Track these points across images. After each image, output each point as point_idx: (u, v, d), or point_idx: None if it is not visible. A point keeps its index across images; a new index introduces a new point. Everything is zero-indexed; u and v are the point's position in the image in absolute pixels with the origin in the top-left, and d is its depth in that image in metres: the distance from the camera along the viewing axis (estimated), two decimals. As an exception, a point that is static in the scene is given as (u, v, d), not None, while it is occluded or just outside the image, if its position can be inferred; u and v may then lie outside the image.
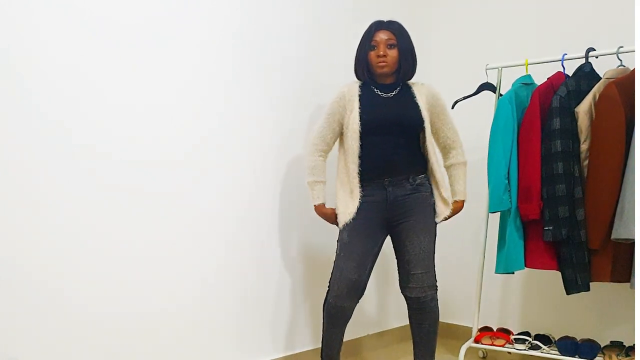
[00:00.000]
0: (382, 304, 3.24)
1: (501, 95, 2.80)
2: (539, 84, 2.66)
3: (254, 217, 2.60)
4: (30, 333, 1.91)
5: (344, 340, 2.99)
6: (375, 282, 3.19)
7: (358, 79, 2.41)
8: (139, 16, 2.19)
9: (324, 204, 2.40)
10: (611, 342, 2.65)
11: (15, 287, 1.89)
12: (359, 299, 2.33)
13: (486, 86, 2.89)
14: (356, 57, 2.38)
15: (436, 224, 2.34)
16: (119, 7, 2.13)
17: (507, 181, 2.56)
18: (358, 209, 2.30)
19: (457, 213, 2.43)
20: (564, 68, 2.64)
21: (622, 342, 2.65)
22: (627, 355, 2.50)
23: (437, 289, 2.32)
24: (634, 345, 2.55)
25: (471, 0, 3.40)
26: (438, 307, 2.34)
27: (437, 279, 2.33)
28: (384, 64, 2.31)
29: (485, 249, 2.89)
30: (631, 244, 2.34)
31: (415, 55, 2.37)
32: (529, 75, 2.71)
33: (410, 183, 2.30)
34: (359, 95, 2.34)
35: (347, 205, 2.32)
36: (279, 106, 2.70)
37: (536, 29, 3.11)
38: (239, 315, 2.53)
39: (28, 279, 1.91)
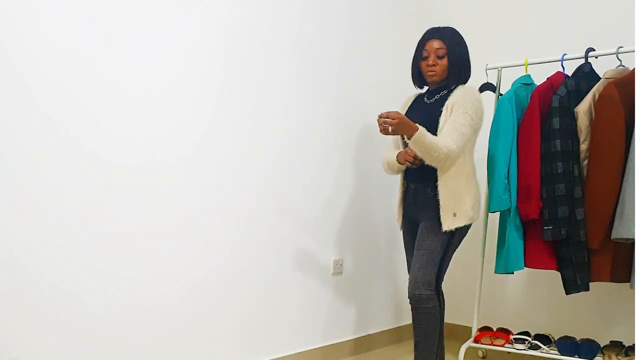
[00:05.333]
0: (382, 304, 3.24)
1: (501, 95, 2.80)
2: (538, 84, 2.66)
3: (261, 217, 2.61)
4: (30, 333, 1.92)
5: (344, 340, 3.01)
6: (375, 282, 3.19)
7: (415, 86, 2.53)
8: (139, 16, 2.20)
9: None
10: (611, 342, 2.65)
11: (15, 287, 1.89)
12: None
13: (486, 86, 2.89)
14: (411, 65, 2.48)
15: (442, 231, 2.29)
16: (117, 8, 2.14)
17: (506, 181, 2.56)
18: (403, 211, 2.52)
19: (401, 124, 2.15)
20: (563, 68, 2.64)
21: (622, 342, 2.65)
22: (626, 355, 2.50)
23: (435, 291, 2.30)
24: (633, 345, 2.55)
25: (471, 0, 3.40)
26: (438, 310, 2.31)
27: (439, 283, 2.31)
28: (433, 73, 2.38)
29: (484, 249, 2.89)
30: (631, 243, 2.34)
31: (468, 62, 2.42)
32: (529, 75, 2.71)
33: (430, 192, 2.35)
34: (412, 103, 2.51)
35: (399, 208, 2.55)
36: (282, 106, 2.70)
37: (536, 29, 3.10)
38: (239, 315, 2.54)
39: (28, 279, 1.91)
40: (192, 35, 2.37)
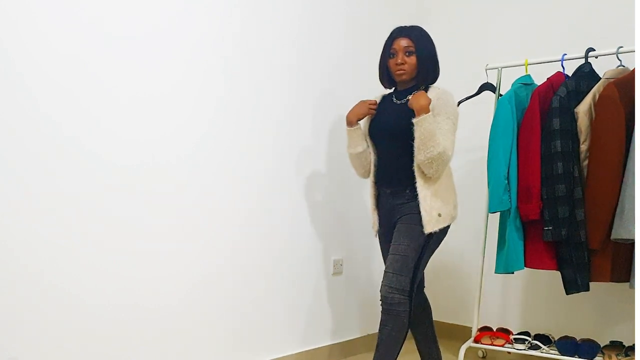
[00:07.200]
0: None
1: (501, 95, 2.80)
2: (538, 84, 2.66)
3: (261, 217, 2.61)
4: (30, 333, 1.92)
5: (344, 340, 3.00)
6: (375, 282, 3.19)
7: (383, 86, 2.44)
8: (138, 16, 2.19)
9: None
10: (611, 342, 2.66)
11: (15, 287, 1.89)
12: (419, 291, 2.39)
13: (486, 86, 2.89)
14: (379, 65, 2.39)
15: (425, 233, 2.21)
16: (117, 8, 2.14)
17: (507, 181, 2.56)
18: (378, 217, 2.42)
19: (417, 98, 2.20)
20: (563, 68, 2.64)
21: (622, 342, 2.65)
22: (626, 355, 2.50)
23: (408, 296, 2.20)
24: (633, 345, 2.55)
25: (471, 0, 3.40)
26: (407, 315, 2.20)
27: (412, 288, 2.21)
28: (401, 71, 2.30)
29: (485, 249, 2.89)
30: (631, 244, 2.34)
31: (437, 60, 2.34)
32: (529, 75, 2.71)
33: (408, 194, 2.27)
34: (380, 104, 2.42)
35: (374, 214, 2.45)
36: (282, 106, 2.70)
37: (536, 29, 3.10)
38: (239, 315, 2.54)
39: (28, 279, 1.91)
40: (192, 36, 2.36)
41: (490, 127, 2.67)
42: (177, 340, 2.32)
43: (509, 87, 2.75)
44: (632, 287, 2.30)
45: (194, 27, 2.37)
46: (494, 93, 2.88)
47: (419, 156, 2.18)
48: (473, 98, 2.97)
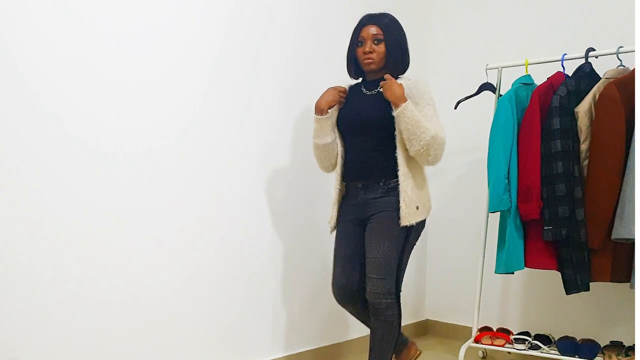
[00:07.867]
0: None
1: (501, 95, 2.80)
2: (538, 84, 2.67)
3: (261, 216, 2.61)
4: (31, 333, 1.91)
5: (345, 340, 3.00)
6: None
7: (350, 76, 2.35)
8: (134, 13, 2.19)
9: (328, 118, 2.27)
10: (611, 342, 2.66)
11: (15, 286, 1.88)
12: (360, 299, 2.26)
13: (486, 86, 2.89)
14: (346, 54, 2.30)
15: (402, 229, 2.15)
16: (115, 5, 2.14)
17: (507, 181, 2.56)
18: (339, 212, 2.33)
19: (390, 88, 2.11)
20: (563, 68, 2.64)
21: (622, 342, 2.65)
22: (627, 355, 2.50)
23: (396, 298, 2.18)
24: (634, 345, 2.55)
25: (471, 1, 3.40)
26: (396, 318, 2.18)
27: (398, 288, 2.20)
28: (369, 60, 2.21)
29: (485, 249, 2.89)
30: (631, 243, 2.34)
31: (407, 50, 2.26)
32: (529, 75, 2.71)
33: (382, 187, 2.19)
34: (348, 95, 2.33)
35: (333, 208, 2.36)
36: (267, 104, 2.70)
37: (536, 29, 3.11)
38: (239, 315, 2.54)
39: (27, 279, 1.91)
40: (186, 30, 2.36)
41: (490, 127, 2.67)
42: (176, 337, 2.31)
43: (509, 87, 2.75)
44: (632, 287, 2.30)
45: (191, 25, 2.36)
46: (494, 93, 2.88)
47: (413, 147, 2.08)
48: (473, 98, 2.96)
